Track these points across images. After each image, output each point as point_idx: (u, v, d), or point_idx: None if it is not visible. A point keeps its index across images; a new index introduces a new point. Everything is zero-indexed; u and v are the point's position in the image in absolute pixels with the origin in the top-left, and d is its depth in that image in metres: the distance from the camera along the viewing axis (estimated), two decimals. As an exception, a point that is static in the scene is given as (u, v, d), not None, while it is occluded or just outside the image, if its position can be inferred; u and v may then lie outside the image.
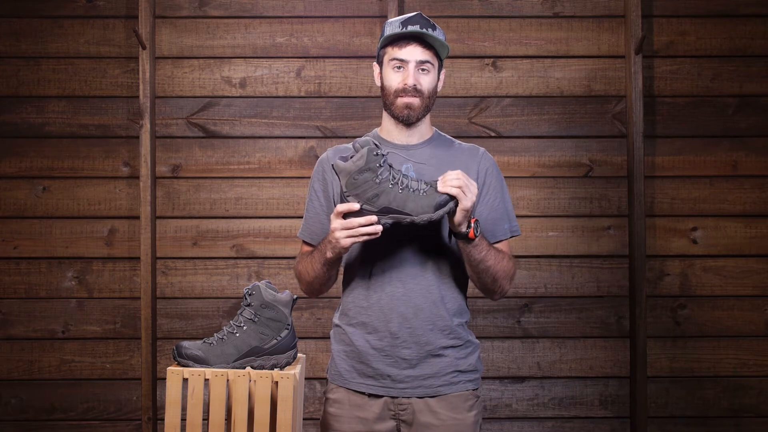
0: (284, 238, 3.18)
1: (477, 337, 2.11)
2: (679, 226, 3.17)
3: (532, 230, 3.17)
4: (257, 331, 1.85)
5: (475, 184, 1.84)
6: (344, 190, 1.83)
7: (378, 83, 2.06)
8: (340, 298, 2.10)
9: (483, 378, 2.32)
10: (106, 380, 3.17)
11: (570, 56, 3.20)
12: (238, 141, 3.19)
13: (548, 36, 3.20)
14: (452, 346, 2.00)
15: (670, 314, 3.16)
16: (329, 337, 2.14)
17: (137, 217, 3.16)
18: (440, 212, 1.81)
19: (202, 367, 1.81)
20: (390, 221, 1.83)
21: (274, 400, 1.80)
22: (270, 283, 1.90)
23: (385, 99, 2.03)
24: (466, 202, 1.81)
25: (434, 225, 1.92)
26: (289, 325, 1.88)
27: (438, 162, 2.02)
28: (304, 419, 2.51)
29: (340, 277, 2.10)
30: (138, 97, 3.15)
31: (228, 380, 1.79)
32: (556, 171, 3.18)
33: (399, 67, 1.98)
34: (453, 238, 1.96)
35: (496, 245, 2.01)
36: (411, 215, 1.82)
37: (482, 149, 2.10)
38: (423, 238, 1.97)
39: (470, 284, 2.07)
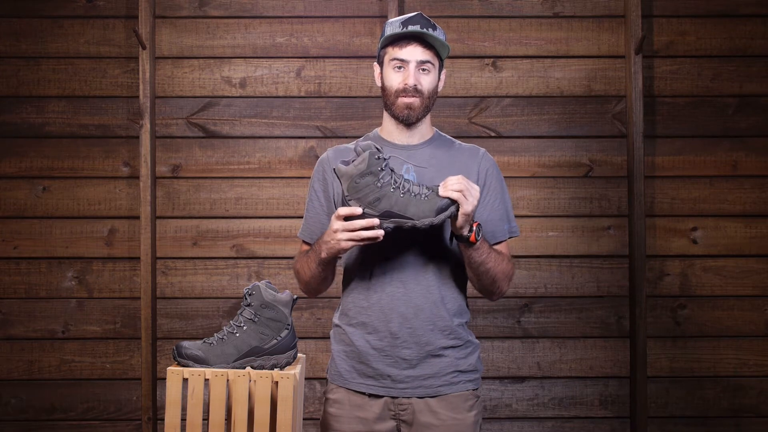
0: (284, 238, 3.18)
1: (477, 337, 2.11)
2: (679, 226, 3.17)
3: (532, 230, 3.17)
4: (257, 331, 1.85)
5: (477, 188, 1.84)
6: (346, 194, 1.83)
7: (378, 83, 2.06)
8: (339, 298, 2.10)
9: (483, 378, 2.33)
10: (106, 380, 3.17)
11: (570, 56, 3.20)
12: (238, 141, 3.19)
13: (548, 36, 3.20)
14: (452, 347, 2.00)
15: (670, 314, 3.16)
16: (329, 337, 2.14)
17: (137, 217, 3.16)
18: (442, 216, 1.81)
19: (202, 367, 1.81)
20: (391, 225, 1.83)
21: (274, 400, 1.80)
22: (270, 283, 1.90)
23: (385, 99, 2.03)
24: (467, 206, 1.81)
25: (437, 227, 1.92)
26: (289, 325, 1.88)
27: (438, 163, 2.02)
28: (304, 419, 2.51)
29: (340, 277, 2.10)
30: (138, 97, 3.15)
31: (228, 380, 1.79)
32: (556, 171, 3.18)
33: (399, 67, 1.98)
34: (454, 241, 1.97)
35: (496, 246, 2.02)
36: (412, 219, 1.82)
37: (482, 150, 2.10)
38: (424, 240, 1.97)
39: (470, 284, 2.07)
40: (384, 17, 3.16)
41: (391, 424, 2.00)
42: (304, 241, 2.12)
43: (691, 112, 3.18)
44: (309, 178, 2.18)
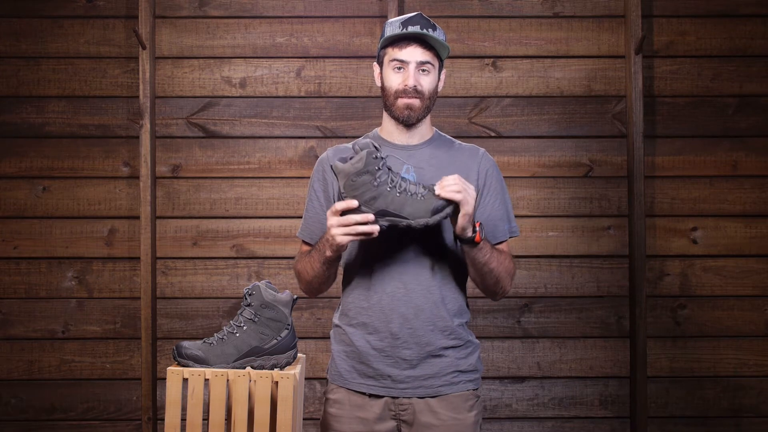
0: (284, 238, 3.18)
1: (477, 337, 2.11)
2: (679, 226, 3.17)
3: (532, 230, 3.17)
4: (257, 331, 1.85)
5: (472, 187, 1.84)
6: (342, 191, 1.83)
7: (378, 84, 2.06)
8: (340, 298, 2.10)
9: (483, 378, 2.33)
10: (106, 380, 3.17)
11: (570, 56, 3.20)
12: (238, 141, 3.19)
13: (548, 36, 3.20)
14: (453, 347, 2.00)
15: (670, 314, 3.16)
16: (329, 337, 2.14)
17: (137, 217, 3.16)
18: (437, 217, 1.81)
19: (202, 367, 1.81)
20: (386, 224, 1.83)
21: (274, 400, 1.80)
22: (270, 283, 1.90)
23: (385, 100, 2.03)
24: (467, 206, 1.81)
25: (434, 227, 1.92)
26: (289, 325, 1.88)
27: (438, 163, 2.02)
28: (304, 419, 2.50)
29: (340, 277, 2.10)
30: (138, 97, 3.15)
31: (228, 380, 1.79)
32: (556, 171, 3.18)
33: (399, 68, 1.98)
34: (458, 243, 1.96)
35: (497, 246, 2.02)
36: (408, 219, 1.82)
37: (482, 150, 2.10)
38: (424, 239, 1.97)
39: (470, 284, 2.07)
40: (384, 17, 3.16)
41: (392, 424, 2.00)
42: (303, 241, 2.11)
43: (691, 112, 3.18)
44: (309, 178, 2.18)
